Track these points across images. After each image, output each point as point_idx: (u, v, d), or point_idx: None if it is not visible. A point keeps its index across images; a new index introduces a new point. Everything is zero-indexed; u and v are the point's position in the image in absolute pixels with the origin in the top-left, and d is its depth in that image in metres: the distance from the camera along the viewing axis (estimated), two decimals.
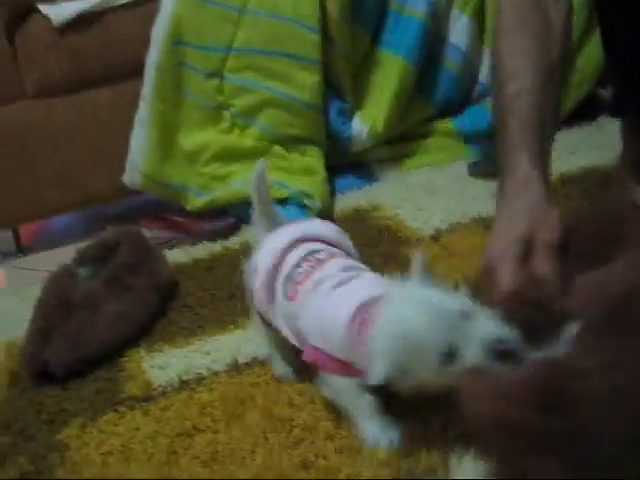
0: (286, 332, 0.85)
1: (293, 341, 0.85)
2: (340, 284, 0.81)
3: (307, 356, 0.81)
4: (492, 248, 0.81)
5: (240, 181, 1.48)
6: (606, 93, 1.69)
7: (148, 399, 0.94)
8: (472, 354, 0.67)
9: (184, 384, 0.96)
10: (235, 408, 0.89)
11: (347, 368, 0.77)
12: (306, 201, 1.42)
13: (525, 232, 0.79)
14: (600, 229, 0.79)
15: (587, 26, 1.63)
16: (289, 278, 0.85)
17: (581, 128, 1.66)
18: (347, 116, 1.57)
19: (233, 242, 1.41)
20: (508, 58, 0.93)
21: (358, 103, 1.60)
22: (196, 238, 1.46)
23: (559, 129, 1.66)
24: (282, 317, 0.85)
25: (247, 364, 0.98)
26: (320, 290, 0.81)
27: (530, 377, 0.63)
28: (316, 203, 1.40)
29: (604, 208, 0.88)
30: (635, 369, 0.62)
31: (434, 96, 1.66)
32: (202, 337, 1.08)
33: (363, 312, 0.75)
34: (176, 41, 1.50)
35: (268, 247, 0.89)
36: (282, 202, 1.44)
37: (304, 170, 1.49)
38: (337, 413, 0.83)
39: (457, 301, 0.72)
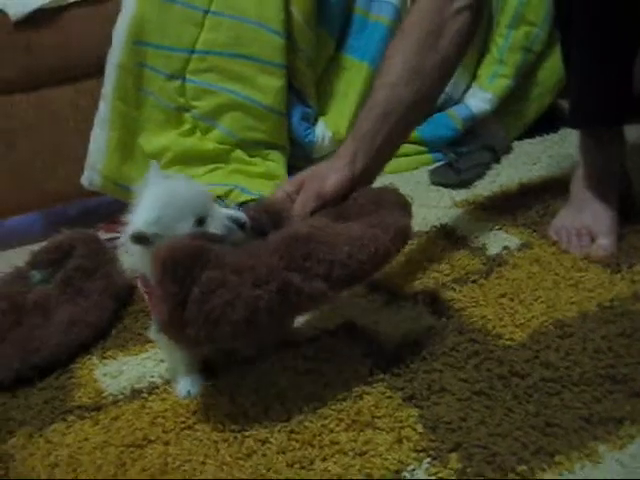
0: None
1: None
2: None
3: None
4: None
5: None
6: (567, 105, 1.70)
7: (98, 408, 0.92)
8: (214, 224, 0.85)
9: (136, 393, 0.94)
10: (187, 418, 0.87)
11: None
12: None
13: (301, 179, 1.00)
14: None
15: (549, 40, 1.66)
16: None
17: (542, 139, 1.68)
18: (310, 121, 1.57)
19: None
20: (388, 54, 1.07)
21: (322, 108, 1.60)
22: None
23: (517, 137, 1.69)
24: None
25: (201, 373, 0.96)
26: None
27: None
28: None
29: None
30: None
31: None
32: (156, 344, 1.06)
33: None
34: (138, 41, 1.48)
35: None
36: (242, 207, 1.42)
37: (265, 175, 1.48)
38: (291, 426, 0.82)
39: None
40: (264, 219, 0.92)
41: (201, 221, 0.84)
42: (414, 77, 1.04)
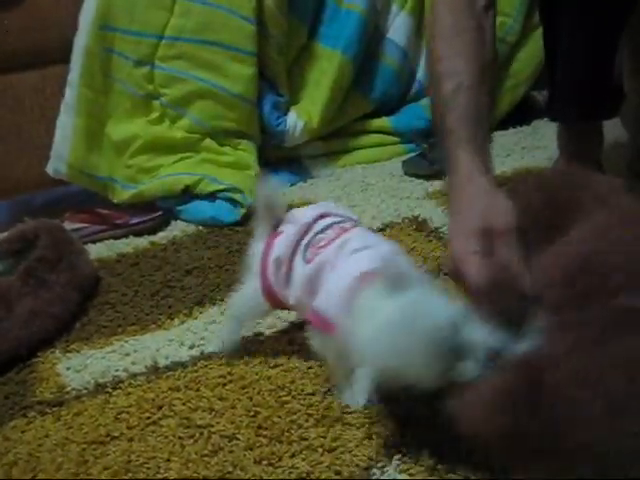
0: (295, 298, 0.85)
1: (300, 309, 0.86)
2: (363, 248, 0.81)
3: (309, 315, 0.82)
4: (454, 249, 0.80)
5: (169, 174, 1.44)
6: (540, 97, 1.70)
7: (60, 403, 0.89)
8: (470, 366, 0.66)
9: (100, 387, 0.91)
10: (152, 414, 0.85)
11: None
12: (237, 196, 1.38)
13: (479, 224, 0.78)
14: (549, 198, 0.79)
15: (522, 32, 1.65)
16: (310, 244, 0.85)
17: (516, 130, 1.68)
18: (282, 110, 1.54)
19: (160, 237, 1.36)
20: (446, 59, 0.95)
21: (294, 97, 1.57)
22: (122, 232, 1.40)
23: (494, 129, 1.68)
24: (297, 285, 0.84)
25: (167, 367, 0.94)
26: (341, 252, 0.81)
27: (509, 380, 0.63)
28: (247, 199, 1.36)
29: (550, 175, 0.90)
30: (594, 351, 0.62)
31: (372, 92, 1.64)
32: (122, 337, 1.03)
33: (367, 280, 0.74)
34: (105, 25, 1.44)
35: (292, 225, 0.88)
36: (212, 196, 1.40)
37: (236, 164, 1.45)
38: (259, 421, 0.80)
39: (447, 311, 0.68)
40: None
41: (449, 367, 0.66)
42: (483, 77, 0.95)
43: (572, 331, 0.63)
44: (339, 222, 0.87)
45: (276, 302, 0.89)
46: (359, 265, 0.77)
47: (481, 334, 0.66)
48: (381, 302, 0.70)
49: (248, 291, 0.91)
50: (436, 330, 0.66)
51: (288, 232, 0.87)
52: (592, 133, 1.20)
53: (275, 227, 0.89)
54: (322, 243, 0.83)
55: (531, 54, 1.65)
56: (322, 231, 0.85)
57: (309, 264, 0.83)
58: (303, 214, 0.89)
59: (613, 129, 1.47)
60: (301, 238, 0.86)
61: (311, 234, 0.86)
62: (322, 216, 0.88)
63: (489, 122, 0.98)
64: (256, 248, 0.90)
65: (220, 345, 0.95)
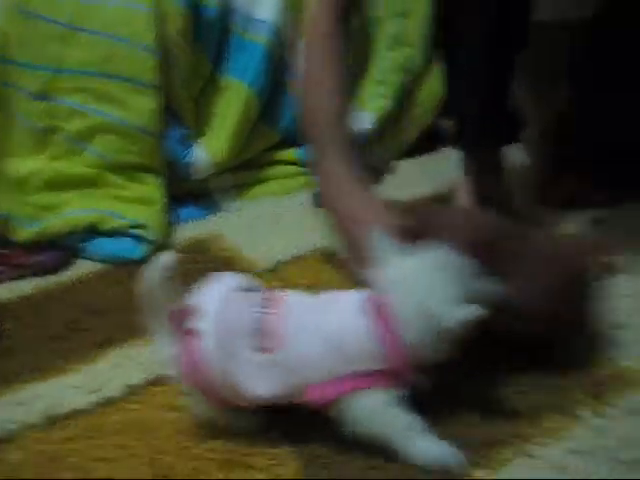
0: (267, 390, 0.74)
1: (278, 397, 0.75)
2: (321, 306, 0.76)
3: (314, 394, 0.73)
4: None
5: (72, 210, 1.39)
6: (445, 124, 1.73)
7: None
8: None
9: None
10: (47, 468, 0.80)
11: (376, 379, 0.72)
12: (142, 232, 1.34)
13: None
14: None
15: (426, 62, 1.68)
16: (257, 331, 0.74)
17: (423, 159, 1.70)
18: (188, 143, 1.52)
19: (63, 276, 1.31)
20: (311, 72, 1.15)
21: (200, 130, 1.55)
22: (22, 272, 1.34)
23: (400, 157, 1.70)
24: (257, 376, 0.74)
25: (64, 415, 0.89)
26: (306, 321, 0.75)
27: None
28: (152, 234, 1.33)
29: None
30: None
31: (280, 122, 1.64)
32: (18, 386, 0.98)
33: (373, 305, 0.73)
34: (0, 58, 1.39)
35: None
36: (117, 233, 1.36)
37: (141, 199, 1.41)
38: (160, 469, 0.77)
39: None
40: None
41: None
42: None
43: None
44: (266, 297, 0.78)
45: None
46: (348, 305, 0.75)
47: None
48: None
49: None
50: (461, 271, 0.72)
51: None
52: (493, 160, 1.23)
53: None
54: (272, 325, 0.74)
55: (436, 83, 1.68)
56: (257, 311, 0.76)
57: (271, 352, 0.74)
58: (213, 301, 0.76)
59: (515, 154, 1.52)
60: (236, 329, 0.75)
61: (246, 319, 0.75)
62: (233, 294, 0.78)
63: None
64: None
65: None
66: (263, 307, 0.76)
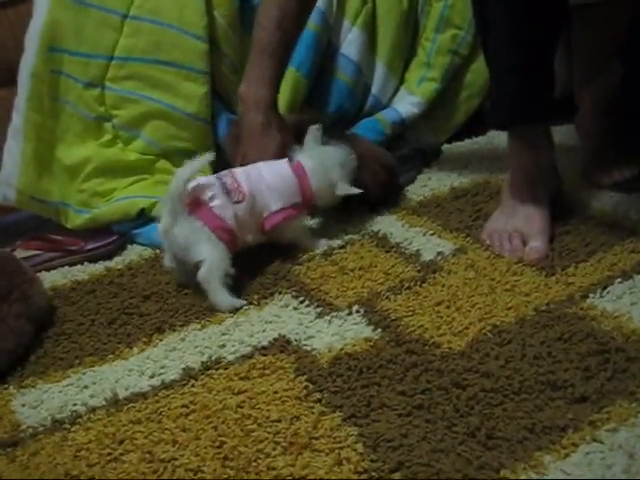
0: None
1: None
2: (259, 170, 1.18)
3: (271, 222, 1.16)
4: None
5: (124, 197, 1.40)
6: None
7: (15, 443, 0.85)
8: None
9: (57, 424, 0.88)
10: (113, 450, 0.81)
11: (297, 209, 1.20)
12: None
13: (284, 148, 1.26)
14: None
15: (475, 43, 1.65)
16: (226, 192, 1.11)
17: (471, 142, 1.68)
18: None
19: (116, 262, 1.33)
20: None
21: None
22: (76, 258, 1.36)
23: (449, 140, 1.68)
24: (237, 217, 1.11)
25: (127, 398, 0.90)
26: (254, 180, 1.16)
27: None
28: None
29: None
30: None
31: (327, 108, 1.63)
32: (79, 369, 0.99)
33: (295, 165, 1.21)
34: (52, 47, 1.40)
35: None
36: None
37: None
38: (224, 452, 0.78)
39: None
40: None
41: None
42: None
43: None
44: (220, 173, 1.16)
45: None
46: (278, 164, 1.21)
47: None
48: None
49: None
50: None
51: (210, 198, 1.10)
52: (540, 138, 1.20)
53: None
54: (235, 185, 1.12)
55: (484, 65, 1.64)
56: (224, 181, 1.13)
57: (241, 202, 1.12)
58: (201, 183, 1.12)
59: (568, 137, 1.49)
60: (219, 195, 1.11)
61: (220, 188, 1.11)
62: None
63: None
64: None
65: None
66: (224, 176, 1.14)
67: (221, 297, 1.07)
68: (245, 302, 1.08)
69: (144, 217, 1.39)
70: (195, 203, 1.09)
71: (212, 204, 1.09)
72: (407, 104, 1.66)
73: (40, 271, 1.31)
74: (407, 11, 1.67)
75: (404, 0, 1.67)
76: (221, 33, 1.47)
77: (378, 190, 1.33)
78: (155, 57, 1.41)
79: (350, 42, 1.63)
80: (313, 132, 1.24)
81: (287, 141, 1.27)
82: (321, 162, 1.21)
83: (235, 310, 1.07)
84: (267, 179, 1.17)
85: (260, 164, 1.20)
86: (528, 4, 1.09)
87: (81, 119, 1.44)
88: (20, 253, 1.33)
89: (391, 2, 1.66)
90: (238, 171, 1.16)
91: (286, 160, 1.22)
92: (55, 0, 1.40)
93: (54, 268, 1.35)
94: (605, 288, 1.00)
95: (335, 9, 1.61)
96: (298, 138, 1.26)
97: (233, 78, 1.50)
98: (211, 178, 1.14)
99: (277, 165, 1.20)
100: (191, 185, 1.09)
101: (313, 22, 1.55)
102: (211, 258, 1.07)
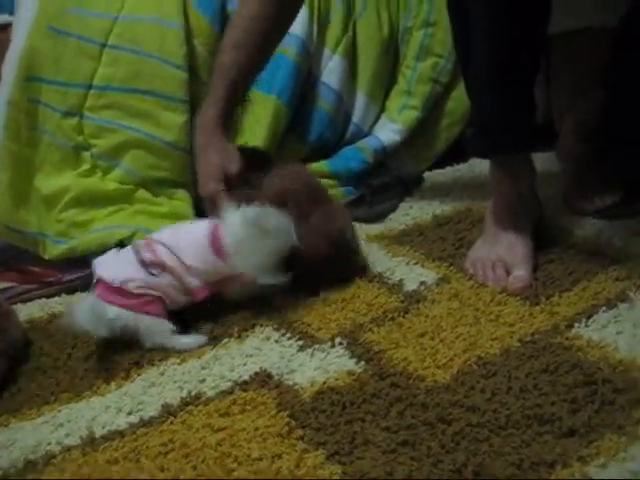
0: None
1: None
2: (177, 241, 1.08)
3: (201, 294, 1.08)
4: (209, 190, 1.19)
5: (102, 227, 1.38)
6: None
7: None
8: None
9: (30, 465, 0.84)
10: None
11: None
12: None
13: (220, 169, 1.18)
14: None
15: (455, 71, 1.66)
16: (143, 263, 1.05)
17: (453, 169, 1.68)
18: None
19: None
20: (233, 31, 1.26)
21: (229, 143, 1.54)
22: (53, 290, 1.34)
23: (430, 168, 1.68)
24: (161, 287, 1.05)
25: (104, 437, 0.87)
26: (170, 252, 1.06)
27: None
28: None
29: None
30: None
31: (307, 136, 1.63)
32: (55, 406, 0.96)
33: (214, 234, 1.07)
34: (30, 76, 1.39)
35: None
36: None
37: (171, 215, 1.40)
38: None
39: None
40: None
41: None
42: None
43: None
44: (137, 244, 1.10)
45: None
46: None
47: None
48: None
49: None
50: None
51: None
52: (522, 166, 1.20)
53: None
54: (152, 258, 1.06)
55: (464, 93, 1.66)
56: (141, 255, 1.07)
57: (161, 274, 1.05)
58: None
59: (549, 164, 1.49)
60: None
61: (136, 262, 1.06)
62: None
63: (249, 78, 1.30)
64: None
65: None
66: (142, 250, 1.07)
67: (176, 343, 1.05)
68: (205, 338, 1.06)
69: (123, 247, 1.36)
70: (108, 290, 1.04)
71: (129, 285, 1.04)
72: (388, 132, 1.66)
73: (16, 303, 1.29)
74: (388, 39, 1.68)
75: (385, 28, 1.68)
76: (201, 61, 1.46)
77: (316, 267, 1.12)
78: (134, 86, 1.40)
79: (331, 70, 1.63)
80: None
81: (227, 165, 1.19)
82: (247, 235, 1.05)
83: (205, 345, 1.05)
84: (186, 253, 1.06)
85: (182, 231, 1.11)
86: (509, 32, 1.09)
87: (59, 148, 1.42)
88: None
89: (372, 30, 1.67)
90: (157, 240, 1.08)
91: (206, 227, 1.09)
92: (34, 28, 1.39)
93: (30, 300, 1.32)
94: (590, 317, 0.99)
95: (315, 37, 1.61)
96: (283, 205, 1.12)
97: None
98: (126, 252, 1.09)
99: (195, 237, 1.08)
100: (99, 270, 1.07)
101: (293, 50, 1.56)
102: (143, 329, 1.05)
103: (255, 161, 1.24)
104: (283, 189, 1.14)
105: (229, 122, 1.25)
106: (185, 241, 1.08)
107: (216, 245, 1.06)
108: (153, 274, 1.05)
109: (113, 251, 1.12)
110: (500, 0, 1.07)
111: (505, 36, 1.10)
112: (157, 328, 1.05)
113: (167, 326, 1.05)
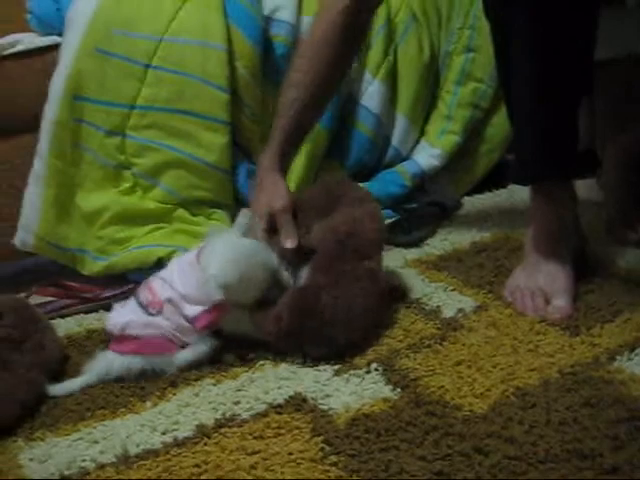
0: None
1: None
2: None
3: (199, 326, 1.05)
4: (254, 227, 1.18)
5: (141, 245, 1.40)
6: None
7: None
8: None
9: None
10: None
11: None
12: None
13: (265, 207, 1.16)
14: (322, 195, 1.19)
15: (496, 96, 1.65)
16: (142, 305, 1.06)
17: (492, 195, 1.67)
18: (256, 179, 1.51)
19: None
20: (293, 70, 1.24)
21: None
22: (92, 306, 1.35)
23: (469, 193, 1.67)
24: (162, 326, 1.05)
25: (138, 455, 0.87)
26: (168, 287, 1.06)
27: (291, 302, 1.04)
28: None
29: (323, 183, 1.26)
30: (346, 286, 1.05)
31: (347, 160, 1.63)
32: (90, 422, 0.97)
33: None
34: (75, 95, 1.42)
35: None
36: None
37: None
38: None
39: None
40: None
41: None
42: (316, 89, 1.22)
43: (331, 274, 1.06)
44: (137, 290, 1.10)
45: None
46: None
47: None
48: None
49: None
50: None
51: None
52: (564, 193, 1.19)
53: None
54: (149, 298, 1.06)
55: (505, 119, 1.62)
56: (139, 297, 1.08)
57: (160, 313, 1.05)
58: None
59: (590, 191, 1.47)
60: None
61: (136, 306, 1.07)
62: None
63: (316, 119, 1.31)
64: None
65: None
66: (140, 292, 1.09)
67: (195, 354, 1.07)
68: (205, 347, 1.07)
69: (161, 266, 1.37)
70: (115, 342, 1.07)
71: (129, 331, 1.05)
72: (428, 156, 1.65)
73: (54, 318, 1.30)
74: (428, 64, 1.68)
75: (425, 53, 1.68)
76: (243, 84, 1.47)
77: (280, 340, 1.05)
78: (177, 107, 1.42)
79: (371, 94, 1.63)
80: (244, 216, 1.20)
81: (273, 203, 1.15)
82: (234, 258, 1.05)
83: (207, 356, 1.07)
84: (179, 282, 1.06)
85: (174, 262, 1.13)
86: (555, 59, 1.08)
87: (101, 167, 1.44)
88: (35, 299, 1.33)
89: (412, 55, 1.67)
90: (156, 279, 1.09)
91: (194, 252, 1.10)
92: (80, 50, 1.42)
93: (69, 315, 1.34)
94: (633, 350, 0.96)
95: (356, 62, 1.62)
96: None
97: (254, 128, 1.51)
98: (128, 301, 1.10)
99: (185, 261, 1.10)
100: (107, 323, 1.09)
101: None
102: (167, 367, 1.06)
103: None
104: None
105: (287, 160, 1.23)
106: (177, 270, 1.08)
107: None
108: (152, 314, 1.05)
109: (122, 304, 1.12)
110: (542, 12, 1.06)
111: (551, 64, 1.09)
112: (171, 362, 1.06)
113: (179, 354, 1.06)
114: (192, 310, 1.05)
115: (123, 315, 1.07)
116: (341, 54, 1.23)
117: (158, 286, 1.07)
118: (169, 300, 1.05)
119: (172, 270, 1.09)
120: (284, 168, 1.22)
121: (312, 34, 1.25)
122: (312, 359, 1.03)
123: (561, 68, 1.09)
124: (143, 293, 1.08)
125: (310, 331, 1.03)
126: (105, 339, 1.19)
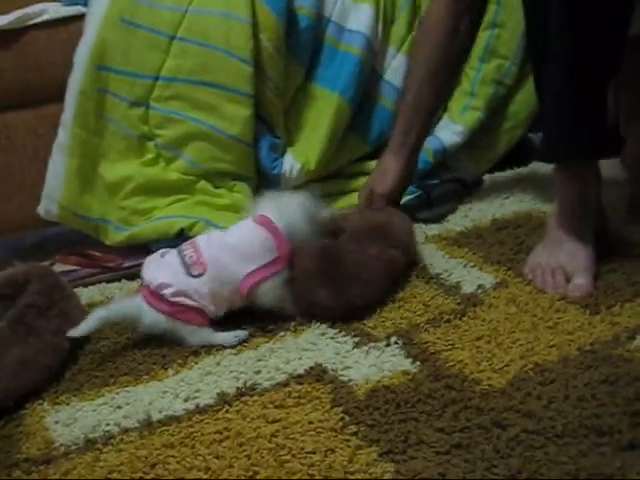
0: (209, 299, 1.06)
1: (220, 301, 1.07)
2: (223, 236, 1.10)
3: (246, 285, 1.05)
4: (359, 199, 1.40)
5: (163, 216, 1.41)
6: (537, 138, 1.69)
7: (48, 461, 0.84)
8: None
9: (90, 443, 0.87)
10: (145, 473, 0.80)
11: (274, 266, 1.07)
12: None
13: (368, 187, 1.38)
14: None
15: (520, 73, 1.64)
16: (185, 264, 1.05)
17: (514, 172, 1.66)
18: (279, 152, 1.52)
19: None
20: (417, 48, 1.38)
21: (290, 139, 1.55)
22: (114, 275, 1.37)
23: (491, 170, 1.66)
24: (200, 292, 1.05)
25: (160, 421, 0.89)
26: (217, 247, 1.07)
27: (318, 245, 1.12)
28: None
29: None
30: (368, 258, 1.13)
31: (369, 134, 1.63)
32: (113, 388, 0.99)
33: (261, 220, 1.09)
34: (100, 66, 1.43)
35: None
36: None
37: (231, 207, 1.42)
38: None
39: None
40: None
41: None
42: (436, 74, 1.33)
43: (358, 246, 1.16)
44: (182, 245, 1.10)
45: None
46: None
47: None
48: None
49: None
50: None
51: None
52: (588, 172, 1.18)
53: None
54: (194, 258, 1.06)
55: (528, 96, 1.64)
56: (184, 254, 1.07)
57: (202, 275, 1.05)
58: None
59: (613, 171, 1.46)
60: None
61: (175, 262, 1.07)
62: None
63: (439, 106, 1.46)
64: None
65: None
66: (185, 250, 1.08)
67: (220, 339, 1.06)
68: (245, 333, 1.07)
69: (183, 237, 1.39)
70: (149, 293, 1.06)
71: (164, 292, 1.04)
72: (450, 133, 1.65)
73: (77, 287, 1.32)
74: None
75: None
76: (266, 57, 1.47)
77: (299, 275, 1.10)
78: (200, 78, 1.43)
79: (395, 69, 1.63)
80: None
81: (375, 186, 1.36)
82: (286, 211, 1.11)
83: (241, 341, 1.06)
84: (232, 243, 1.07)
85: (226, 231, 1.13)
86: (589, 38, 1.07)
87: (125, 137, 1.45)
88: (58, 267, 1.35)
89: None
90: (201, 240, 1.09)
91: (250, 219, 1.11)
92: (105, 20, 1.42)
93: (91, 284, 1.36)
94: None
95: (380, 35, 1.61)
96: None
97: (277, 102, 1.51)
98: (171, 254, 1.09)
99: (242, 226, 1.11)
100: (143, 271, 1.09)
101: (358, 48, 1.56)
102: (181, 335, 1.06)
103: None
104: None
105: (409, 140, 1.35)
106: (232, 230, 1.11)
107: (261, 221, 1.09)
108: (194, 275, 1.05)
109: (160, 252, 1.12)
110: None
111: (583, 28, 1.07)
112: (194, 335, 1.06)
113: (205, 331, 1.06)
114: (245, 268, 1.05)
115: (163, 270, 1.06)
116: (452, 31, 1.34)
117: (205, 245, 1.07)
118: (217, 260, 1.05)
119: (222, 233, 1.11)
120: (407, 148, 1.36)
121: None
122: (321, 308, 1.08)
123: (595, 47, 1.08)
124: (188, 251, 1.07)
125: (326, 276, 1.08)
126: None
